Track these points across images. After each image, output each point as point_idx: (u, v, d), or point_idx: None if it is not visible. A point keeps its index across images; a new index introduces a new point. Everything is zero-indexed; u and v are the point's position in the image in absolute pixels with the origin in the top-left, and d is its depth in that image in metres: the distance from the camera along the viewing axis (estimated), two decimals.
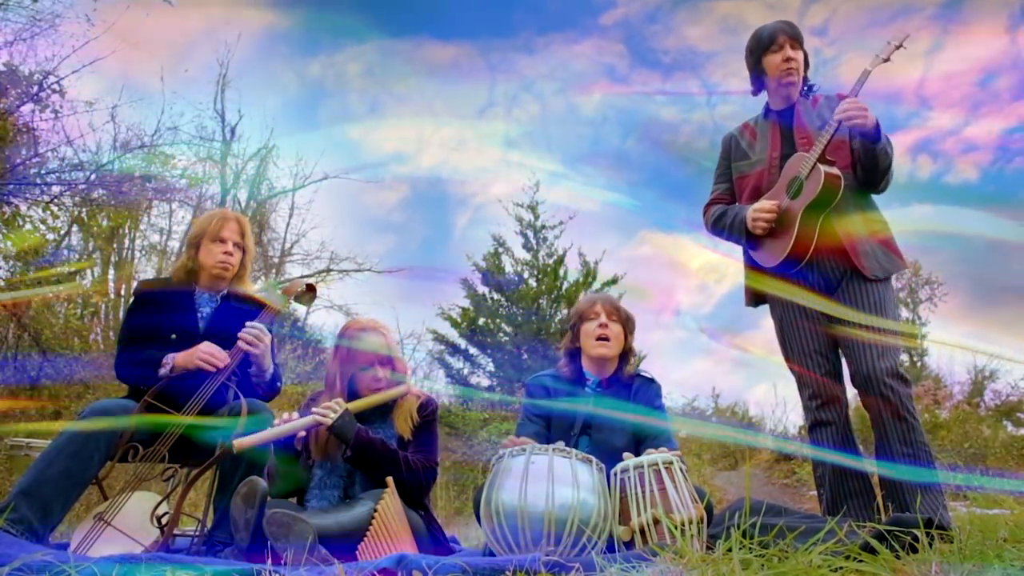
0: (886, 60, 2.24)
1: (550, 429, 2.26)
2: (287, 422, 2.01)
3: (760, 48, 2.43)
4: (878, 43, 2.26)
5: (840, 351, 2.34)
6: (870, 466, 2.27)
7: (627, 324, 2.34)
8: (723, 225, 2.50)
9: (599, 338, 2.28)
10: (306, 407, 2.21)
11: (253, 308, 2.34)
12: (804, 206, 2.24)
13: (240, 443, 1.91)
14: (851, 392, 2.37)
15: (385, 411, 2.22)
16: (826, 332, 2.32)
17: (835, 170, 2.24)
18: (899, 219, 2.43)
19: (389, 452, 2.08)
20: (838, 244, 2.27)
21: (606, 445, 2.01)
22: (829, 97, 2.42)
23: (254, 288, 2.44)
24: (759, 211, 2.33)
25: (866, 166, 2.26)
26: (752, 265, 2.48)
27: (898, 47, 2.23)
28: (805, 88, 2.46)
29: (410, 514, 2.01)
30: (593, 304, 2.35)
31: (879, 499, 2.21)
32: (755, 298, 2.53)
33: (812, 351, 2.34)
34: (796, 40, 2.41)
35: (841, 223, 2.28)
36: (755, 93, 2.53)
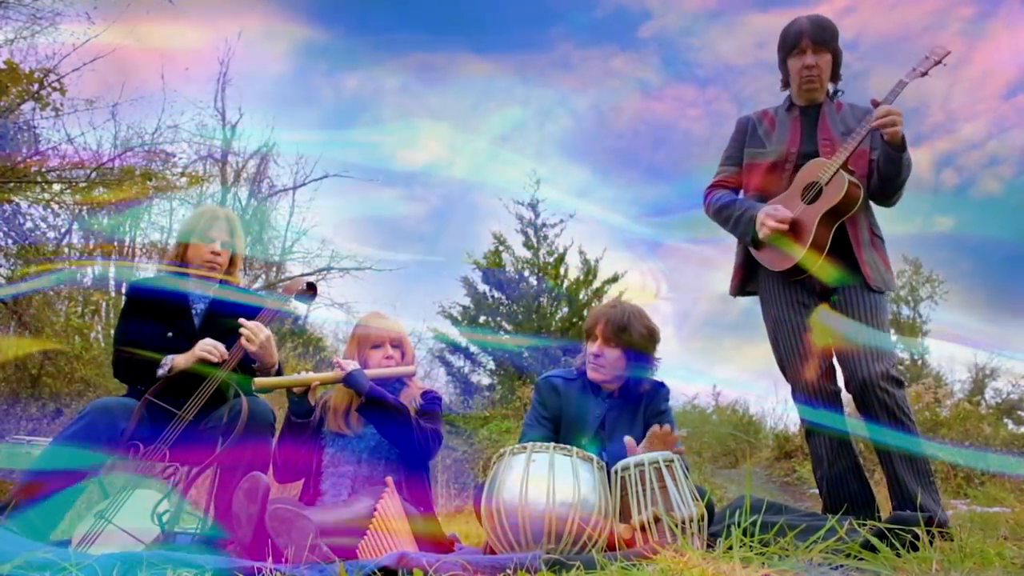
0: (924, 74, 2.17)
1: (558, 433, 2.18)
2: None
3: (784, 48, 2.37)
4: (909, 58, 2.20)
5: (834, 357, 2.29)
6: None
7: (635, 345, 2.12)
8: (727, 216, 2.40)
9: (593, 361, 2.16)
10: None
11: (246, 303, 2.34)
12: (821, 213, 2.18)
13: (260, 382, 2.07)
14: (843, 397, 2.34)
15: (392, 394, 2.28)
16: (819, 338, 2.27)
17: (856, 179, 2.20)
18: (902, 219, 2.41)
19: (400, 405, 2.16)
20: (849, 253, 2.24)
21: (620, 457, 1.95)
22: (854, 106, 2.36)
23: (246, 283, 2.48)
24: (772, 218, 2.22)
25: (885, 177, 2.20)
26: (747, 259, 2.44)
27: (938, 63, 2.16)
28: (832, 91, 2.39)
29: (410, 512, 2.01)
30: (596, 324, 2.17)
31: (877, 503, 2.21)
32: (742, 288, 2.49)
33: (807, 354, 2.28)
34: (821, 44, 2.30)
35: (852, 233, 2.24)
36: (783, 88, 2.47)
